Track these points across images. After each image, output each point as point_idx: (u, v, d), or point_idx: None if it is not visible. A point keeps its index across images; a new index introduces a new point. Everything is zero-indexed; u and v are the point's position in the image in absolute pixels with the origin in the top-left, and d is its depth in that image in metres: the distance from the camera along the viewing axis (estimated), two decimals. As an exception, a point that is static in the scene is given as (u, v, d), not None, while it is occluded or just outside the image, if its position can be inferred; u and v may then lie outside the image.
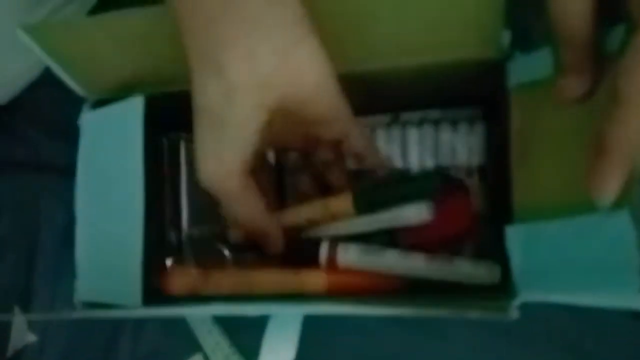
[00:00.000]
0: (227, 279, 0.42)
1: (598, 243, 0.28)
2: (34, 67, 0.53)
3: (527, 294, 0.30)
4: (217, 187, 0.36)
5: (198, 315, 0.47)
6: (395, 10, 0.35)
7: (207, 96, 0.33)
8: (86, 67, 0.41)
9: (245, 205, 0.37)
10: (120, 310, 0.38)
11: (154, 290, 0.40)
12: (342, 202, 0.40)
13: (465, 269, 0.38)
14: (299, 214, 0.42)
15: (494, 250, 0.40)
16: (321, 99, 0.35)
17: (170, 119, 0.47)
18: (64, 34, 0.39)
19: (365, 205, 0.40)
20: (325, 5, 0.34)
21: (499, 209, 0.39)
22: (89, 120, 0.42)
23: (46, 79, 0.53)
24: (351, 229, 0.41)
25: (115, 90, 0.42)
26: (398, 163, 0.45)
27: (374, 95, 0.41)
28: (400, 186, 0.40)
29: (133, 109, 0.39)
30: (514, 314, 0.29)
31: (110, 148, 0.40)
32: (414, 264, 0.39)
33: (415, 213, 0.39)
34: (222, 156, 0.34)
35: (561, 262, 0.29)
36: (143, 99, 0.39)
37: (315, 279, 0.40)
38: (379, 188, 0.41)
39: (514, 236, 0.32)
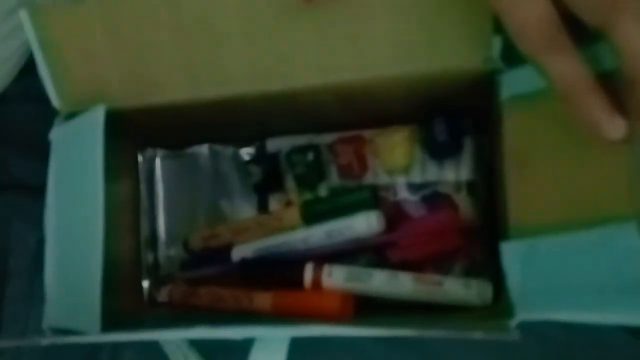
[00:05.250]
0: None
1: (605, 258, 0.27)
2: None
3: (526, 313, 0.28)
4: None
5: (172, 342, 0.45)
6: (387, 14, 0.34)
7: None
8: (71, 61, 0.39)
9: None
10: (93, 336, 0.36)
11: (125, 312, 0.38)
12: (290, 213, 0.43)
13: (456, 290, 0.37)
14: (252, 225, 0.45)
15: (485, 267, 0.39)
16: None
17: (147, 135, 0.46)
18: (59, 17, 0.38)
19: (311, 215, 0.43)
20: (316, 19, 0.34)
21: (491, 225, 0.38)
22: (58, 134, 0.40)
23: (19, 95, 0.52)
24: (307, 240, 0.42)
25: (90, 101, 0.39)
26: (383, 177, 0.44)
27: (359, 108, 0.40)
28: (340, 197, 0.43)
29: (94, 120, 0.37)
30: (514, 334, 0.28)
31: (75, 163, 0.39)
32: (402, 284, 0.38)
33: (364, 222, 0.40)
34: None
35: (564, 279, 0.28)
36: (104, 109, 0.37)
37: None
38: (321, 199, 0.45)
39: (511, 252, 0.31)
